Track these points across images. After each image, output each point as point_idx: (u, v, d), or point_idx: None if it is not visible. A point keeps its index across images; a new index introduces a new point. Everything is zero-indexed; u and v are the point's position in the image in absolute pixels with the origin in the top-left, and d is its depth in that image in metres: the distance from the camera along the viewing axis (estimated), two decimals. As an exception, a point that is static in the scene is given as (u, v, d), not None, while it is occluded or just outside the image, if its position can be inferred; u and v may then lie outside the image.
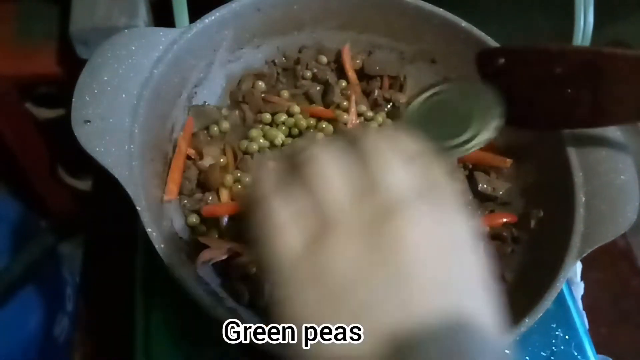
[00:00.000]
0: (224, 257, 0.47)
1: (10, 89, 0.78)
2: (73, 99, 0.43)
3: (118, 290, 0.56)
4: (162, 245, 0.39)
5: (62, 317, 0.87)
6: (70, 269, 0.93)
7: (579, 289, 0.70)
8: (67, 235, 0.68)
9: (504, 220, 0.53)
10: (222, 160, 0.53)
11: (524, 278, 0.47)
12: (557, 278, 0.44)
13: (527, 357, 0.54)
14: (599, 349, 0.58)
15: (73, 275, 0.93)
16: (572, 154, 0.50)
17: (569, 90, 0.44)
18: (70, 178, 1.01)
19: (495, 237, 0.52)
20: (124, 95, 0.45)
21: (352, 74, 0.60)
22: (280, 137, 0.55)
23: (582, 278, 0.70)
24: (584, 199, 0.47)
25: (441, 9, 0.56)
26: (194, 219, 0.49)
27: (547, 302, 0.42)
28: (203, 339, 0.49)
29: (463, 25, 0.56)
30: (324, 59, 0.60)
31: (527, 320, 0.41)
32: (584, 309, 0.65)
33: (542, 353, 0.55)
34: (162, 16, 0.61)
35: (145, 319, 0.50)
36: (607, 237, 0.45)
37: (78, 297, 0.69)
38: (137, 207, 0.40)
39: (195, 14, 0.52)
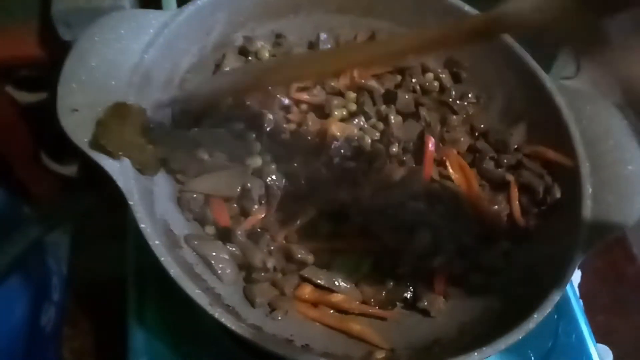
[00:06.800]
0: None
1: (-11, 73, 0.74)
2: (58, 87, 0.40)
3: (107, 283, 0.54)
4: (157, 242, 0.37)
5: (48, 307, 0.85)
6: (56, 258, 0.90)
7: (576, 277, 0.69)
8: (53, 225, 0.66)
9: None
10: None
11: (530, 272, 0.46)
12: (565, 272, 0.42)
13: (529, 350, 0.53)
14: (596, 337, 0.58)
15: (59, 264, 0.91)
16: (579, 144, 0.48)
17: None
18: (54, 163, 0.98)
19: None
20: (113, 82, 0.42)
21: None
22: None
23: (579, 266, 0.70)
24: (591, 190, 0.46)
25: (444, -8, 0.54)
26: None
27: (556, 297, 0.41)
28: (202, 336, 0.48)
29: (466, 9, 0.54)
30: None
31: (535, 316, 0.40)
32: (580, 297, 0.64)
33: (544, 345, 0.54)
34: (149, -1, 0.58)
35: (139, 315, 0.49)
36: (616, 229, 0.44)
37: (66, 289, 0.67)
38: (129, 202, 0.38)
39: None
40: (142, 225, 0.38)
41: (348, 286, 0.46)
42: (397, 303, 0.47)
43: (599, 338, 0.60)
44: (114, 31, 0.44)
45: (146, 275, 0.49)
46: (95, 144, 0.39)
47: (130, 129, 0.42)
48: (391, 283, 0.48)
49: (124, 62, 0.43)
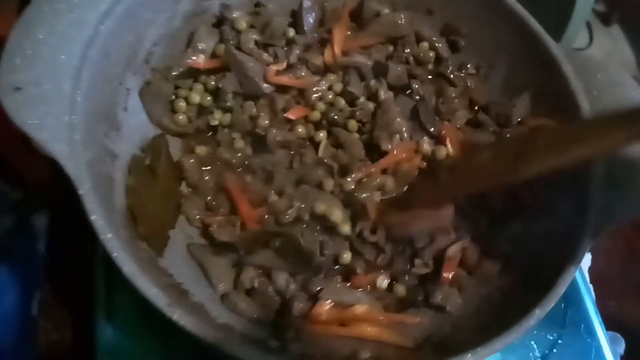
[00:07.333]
0: None
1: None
2: (1, 62, 0.36)
3: (85, 273, 0.51)
4: (110, 236, 0.33)
5: (40, 294, 0.82)
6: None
7: (586, 261, 0.64)
8: (26, 213, 0.62)
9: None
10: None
11: (533, 261, 0.41)
12: (571, 261, 0.38)
13: (533, 342, 0.49)
14: (607, 324, 0.54)
15: (50, 250, 0.88)
16: (588, 113, 0.43)
17: None
18: (42, 147, 0.94)
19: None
20: (63, 57, 0.38)
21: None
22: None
23: (589, 249, 0.65)
24: (601, 168, 0.41)
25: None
26: None
27: (560, 290, 0.37)
28: (175, 333, 0.44)
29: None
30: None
31: (537, 311, 0.36)
32: (590, 282, 0.60)
33: (549, 336, 0.50)
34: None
35: (108, 310, 0.45)
36: (630, 211, 0.40)
37: (44, 281, 0.64)
38: (79, 191, 0.34)
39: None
40: (92, 217, 0.34)
41: (368, 296, 0.42)
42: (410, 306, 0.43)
43: (611, 325, 0.56)
44: (66, 0, 0.39)
45: (115, 268, 0.46)
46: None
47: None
48: (401, 288, 0.44)
49: (77, 34, 0.39)
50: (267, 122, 0.46)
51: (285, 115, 0.47)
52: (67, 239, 0.64)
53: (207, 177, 0.46)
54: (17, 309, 0.75)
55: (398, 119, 0.46)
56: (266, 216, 0.43)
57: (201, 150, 0.47)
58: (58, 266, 0.62)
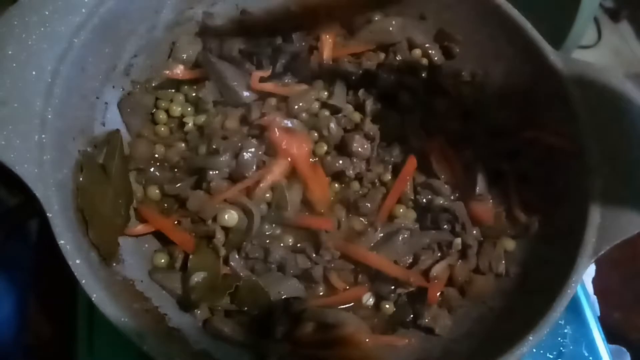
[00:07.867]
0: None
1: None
2: (-33, 81, 0.35)
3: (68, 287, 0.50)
4: (78, 261, 0.32)
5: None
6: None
7: (590, 271, 0.62)
8: (36, 213, 0.61)
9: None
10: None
11: (528, 281, 0.39)
12: (567, 282, 0.36)
13: (531, 361, 0.47)
14: (612, 336, 0.51)
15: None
16: (587, 126, 0.41)
17: None
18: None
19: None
20: (34, 73, 0.36)
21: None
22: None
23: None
24: (600, 182, 0.39)
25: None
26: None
27: (555, 315, 0.35)
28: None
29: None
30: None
31: (531, 338, 0.34)
32: (594, 293, 0.58)
33: (549, 355, 0.48)
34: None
35: (88, 331, 0.44)
36: (630, 229, 0.37)
37: (30, 297, 0.63)
38: (48, 214, 0.33)
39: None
40: (61, 242, 0.32)
41: (353, 316, 0.41)
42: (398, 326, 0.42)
43: (615, 337, 0.54)
44: (37, 13, 0.38)
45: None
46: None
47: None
48: (389, 306, 0.43)
49: (49, 48, 0.37)
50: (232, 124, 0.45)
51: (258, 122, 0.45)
52: (55, 248, 0.63)
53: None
54: (14, 314, 0.74)
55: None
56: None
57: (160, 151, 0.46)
58: (46, 276, 0.61)
